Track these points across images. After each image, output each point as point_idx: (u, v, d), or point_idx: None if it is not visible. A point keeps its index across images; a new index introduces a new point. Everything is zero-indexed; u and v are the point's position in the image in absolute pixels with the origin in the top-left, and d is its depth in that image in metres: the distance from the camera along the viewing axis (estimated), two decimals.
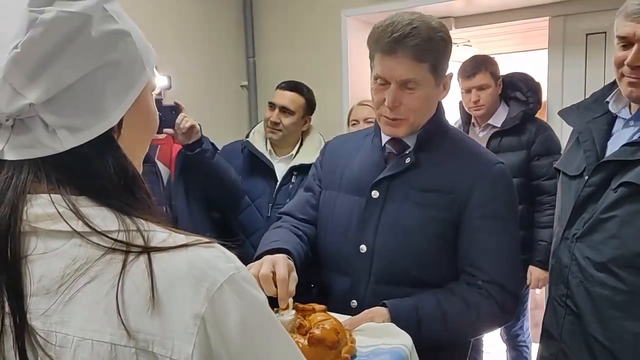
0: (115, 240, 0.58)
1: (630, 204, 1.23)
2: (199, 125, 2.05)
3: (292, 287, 1.16)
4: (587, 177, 1.34)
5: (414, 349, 1.11)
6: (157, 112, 0.74)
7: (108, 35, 0.63)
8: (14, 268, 0.58)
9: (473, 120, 2.65)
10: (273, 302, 1.13)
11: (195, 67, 3.13)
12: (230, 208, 2.34)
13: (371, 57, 1.33)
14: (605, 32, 2.84)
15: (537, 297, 3.60)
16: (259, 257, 1.25)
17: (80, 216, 0.59)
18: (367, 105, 2.55)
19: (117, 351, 0.56)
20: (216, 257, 0.60)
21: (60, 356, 0.57)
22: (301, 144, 2.48)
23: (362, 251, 1.33)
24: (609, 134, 1.38)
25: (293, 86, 2.48)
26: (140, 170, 0.70)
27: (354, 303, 1.33)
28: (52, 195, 0.60)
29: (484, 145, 2.46)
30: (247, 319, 0.58)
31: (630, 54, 1.25)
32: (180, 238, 0.61)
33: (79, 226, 0.59)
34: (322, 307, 1.17)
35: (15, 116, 0.59)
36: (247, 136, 2.52)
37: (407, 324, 1.18)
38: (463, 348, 1.42)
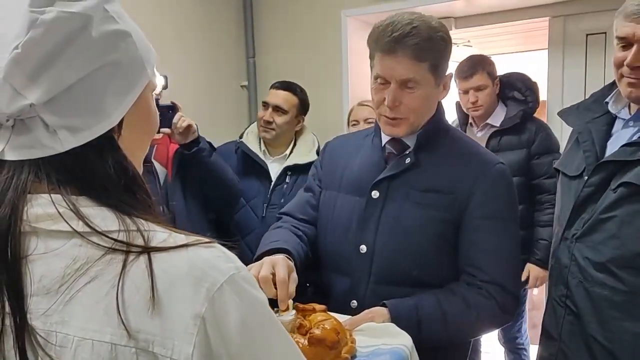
0: (116, 240, 0.59)
1: (630, 204, 1.23)
2: (196, 125, 2.06)
3: (292, 288, 1.16)
4: (586, 178, 1.34)
5: (414, 349, 1.11)
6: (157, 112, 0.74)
7: (108, 36, 0.63)
8: (14, 268, 0.58)
9: (470, 120, 2.64)
10: (273, 304, 1.13)
11: (195, 67, 3.13)
12: (227, 207, 2.35)
13: (371, 57, 1.33)
14: (605, 33, 2.84)
15: (535, 298, 3.60)
16: (259, 258, 1.25)
17: (80, 216, 0.59)
18: (367, 105, 2.55)
19: (117, 351, 0.56)
20: (216, 257, 0.60)
21: (61, 356, 0.57)
22: (295, 144, 2.49)
23: (362, 251, 1.33)
24: (608, 135, 1.38)
25: (286, 86, 2.49)
26: (140, 170, 0.70)
27: (354, 303, 1.33)
28: (52, 195, 0.60)
29: (483, 144, 2.47)
30: (247, 319, 0.59)
31: (630, 54, 1.25)
32: (181, 238, 0.61)
33: (79, 226, 0.59)
34: (323, 307, 1.17)
35: (15, 116, 0.59)
36: (241, 137, 2.52)
37: (407, 324, 1.18)
38: (463, 348, 1.42)
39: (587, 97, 1.52)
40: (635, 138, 1.29)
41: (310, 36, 3.31)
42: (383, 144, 1.40)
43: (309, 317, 1.13)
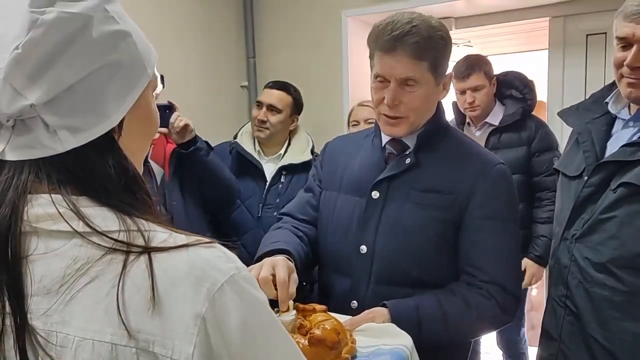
0: (116, 240, 0.59)
1: (630, 204, 1.23)
2: (192, 124, 2.06)
3: (293, 289, 1.16)
4: (586, 178, 1.34)
5: (415, 349, 1.11)
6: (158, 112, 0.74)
7: (109, 36, 0.63)
8: (14, 268, 0.58)
9: (468, 120, 2.64)
10: (273, 305, 1.13)
11: (195, 67, 3.13)
12: (225, 207, 2.35)
13: (371, 56, 1.33)
14: (605, 33, 2.84)
15: (534, 299, 3.58)
16: (259, 259, 1.25)
17: (80, 216, 0.59)
18: (367, 106, 2.55)
19: (117, 351, 0.56)
20: (217, 257, 0.60)
21: (61, 356, 0.57)
22: (289, 144, 2.49)
23: (362, 252, 1.33)
24: (608, 135, 1.38)
25: (280, 85, 2.49)
26: (140, 170, 0.70)
27: (355, 304, 1.33)
28: (52, 195, 0.60)
29: (483, 142, 2.47)
30: (247, 319, 0.59)
31: (630, 54, 1.25)
32: (181, 238, 0.61)
33: (80, 226, 0.59)
34: (323, 307, 1.17)
35: (16, 117, 0.59)
36: (235, 137, 2.52)
37: (408, 324, 1.18)
38: (463, 349, 1.42)
39: (587, 98, 1.52)
40: (635, 138, 1.29)
41: (310, 36, 3.31)
42: (383, 144, 1.40)
43: (309, 318, 1.13)
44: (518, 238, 1.36)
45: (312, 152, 2.47)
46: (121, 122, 0.65)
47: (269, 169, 2.43)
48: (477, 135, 2.55)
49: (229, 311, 0.58)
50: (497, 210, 1.29)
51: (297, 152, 2.44)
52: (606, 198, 1.28)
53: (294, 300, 1.16)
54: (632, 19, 1.24)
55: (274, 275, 1.16)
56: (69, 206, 0.60)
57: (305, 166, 2.39)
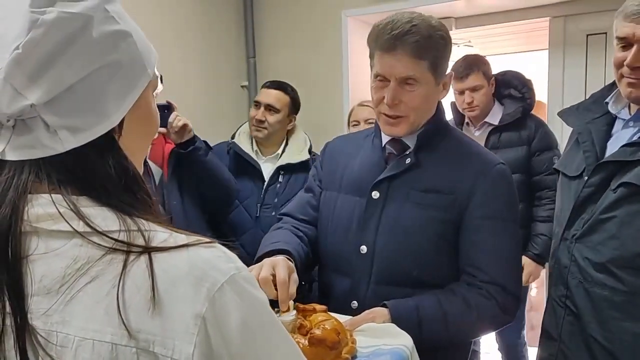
0: (116, 240, 0.59)
1: (630, 204, 1.23)
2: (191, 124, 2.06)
3: (293, 289, 1.16)
4: (586, 178, 1.34)
5: (415, 349, 1.11)
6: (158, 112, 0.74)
7: (109, 36, 0.63)
8: (15, 268, 0.58)
9: (467, 120, 2.63)
10: (273, 305, 1.13)
11: (195, 67, 3.13)
12: (224, 207, 2.35)
13: (371, 56, 1.34)
14: (605, 33, 2.84)
15: (533, 299, 3.58)
16: (260, 259, 1.25)
17: (81, 216, 0.59)
18: (367, 106, 2.55)
19: (117, 351, 0.56)
20: (217, 257, 0.60)
21: (61, 356, 0.57)
22: (286, 144, 2.49)
23: (362, 252, 1.33)
24: (608, 135, 1.38)
25: (278, 85, 2.49)
26: (141, 170, 0.70)
27: (355, 304, 1.33)
28: (53, 195, 0.60)
29: (483, 142, 2.47)
30: (247, 319, 0.59)
31: (630, 54, 1.25)
32: (181, 238, 0.61)
33: (80, 226, 0.59)
34: (323, 307, 1.17)
35: (16, 117, 0.59)
36: (233, 137, 2.52)
37: (408, 324, 1.18)
38: (463, 349, 1.42)
39: (587, 98, 1.52)
40: (635, 138, 1.29)
41: (310, 36, 3.31)
42: (383, 145, 1.40)
43: (309, 318, 1.13)
44: (518, 238, 1.36)
45: (310, 151, 2.47)
46: (121, 122, 0.65)
47: (267, 169, 2.43)
48: (477, 135, 2.55)
49: (229, 311, 0.58)
50: (497, 210, 1.29)
51: (295, 152, 2.45)
52: (606, 198, 1.28)
53: (294, 301, 1.16)
54: (632, 18, 1.24)
55: (274, 276, 1.16)
56: (69, 206, 0.60)
57: (303, 166, 2.40)
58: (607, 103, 1.41)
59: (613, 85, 1.40)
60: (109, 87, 0.63)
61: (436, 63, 1.28)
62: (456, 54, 2.86)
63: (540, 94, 3.19)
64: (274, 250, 1.29)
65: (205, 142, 2.15)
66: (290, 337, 0.66)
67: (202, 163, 2.09)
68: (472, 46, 4.33)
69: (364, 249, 1.33)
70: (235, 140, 2.48)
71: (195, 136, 2.07)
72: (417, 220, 1.29)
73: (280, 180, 2.39)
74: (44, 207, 0.59)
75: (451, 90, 2.55)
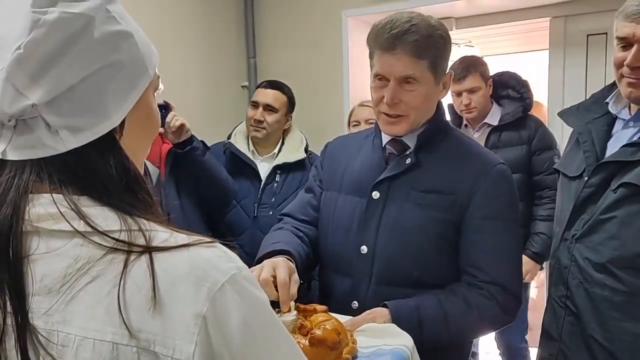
0: (117, 240, 0.59)
1: (630, 204, 1.23)
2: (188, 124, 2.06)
3: (294, 290, 1.16)
4: (586, 178, 1.34)
5: (415, 349, 1.11)
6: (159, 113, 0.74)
7: (110, 36, 0.64)
8: (16, 267, 0.58)
9: (465, 121, 2.62)
10: (274, 306, 1.13)
11: (195, 67, 3.13)
12: (222, 207, 2.35)
13: (370, 56, 1.34)
14: (606, 33, 2.84)
15: (533, 300, 3.57)
16: (260, 260, 1.25)
17: (82, 216, 0.59)
18: (368, 106, 2.55)
19: (118, 350, 0.56)
20: (217, 257, 0.61)
21: (62, 355, 0.57)
22: (283, 143, 2.49)
23: (363, 252, 1.33)
24: (608, 135, 1.38)
25: (275, 85, 2.50)
26: (141, 170, 0.70)
27: (355, 304, 1.33)
28: (54, 195, 0.60)
29: (483, 142, 2.46)
30: (248, 318, 0.59)
31: (630, 54, 1.25)
32: (182, 238, 0.61)
33: (81, 226, 0.59)
34: (324, 307, 1.17)
35: (17, 116, 0.60)
36: (229, 137, 2.52)
37: (409, 324, 1.18)
38: (464, 349, 1.42)
39: (587, 98, 1.52)
40: (635, 138, 1.29)
41: (311, 36, 3.31)
42: (383, 145, 1.40)
43: (310, 318, 1.13)
44: (519, 238, 1.36)
45: (306, 150, 2.47)
46: (122, 122, 0.65)
47: (264, 169, 2.43)
48: (476, 137, 2.53)
49: (229, 311, 0.58)
50: (497, 210, 1.29)
51: (291, 151, 2.45)
52: (606, 198, 1.28)
53: (295, 301, 1.16)
54: (633, 19, 1.24)
55: (274, 277, 1.16)
56: (70, 206, 0.60)
57: (299, 165, 2.40)
58: (607, 103, 1.41)
59: (613, 85, 1.40)
60: (110, 87, 0.63)
61: (436, 62, 1.28)
62: (457, 54, 2.87)
63: (540, 94, 3.19)
64: (275, 250, 1.29)
65: (202, 142, 2.15)
66: (291, 337, 0.66)
67: (199, 163, 2.09)
68: (472, 46, 4.33)
69: (364, 249, 1.33)
70: (231, 140, 2.48)
71: (192, 136, 2.07)
72: (417, 220, 1.29)
73: (277, 179, 2.40)
74: (45, 207, 0.60)
75: (448, 92, 2.55)
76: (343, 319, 1.17)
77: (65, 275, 0.58)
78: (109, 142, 0.64)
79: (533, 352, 1.55)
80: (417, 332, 1.17)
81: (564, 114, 1.51)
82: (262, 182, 2.40)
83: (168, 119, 1.98)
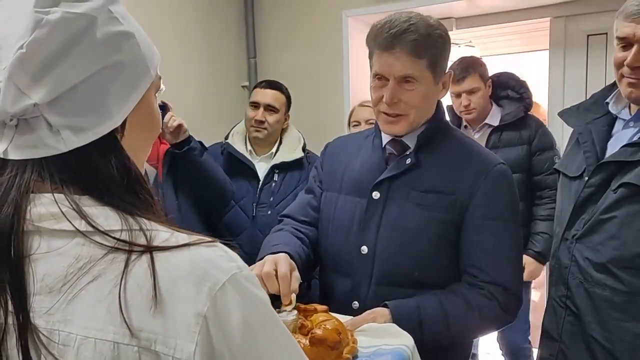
0: (118, 239, 0.59)
1: (630, 204, 1.23)
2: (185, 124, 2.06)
3: (295, 285, 1.17)
4: (587, 178, 1.34)
5: (416, 349, 1.11)
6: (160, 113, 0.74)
7: (112, 37, 0.64)
8: (17, 267, 0.58)
9: (464, 123, 2.62)
10: (276, 300, 1.14)
11: (196, 67, 3.13)
12: (219, 207, 2.35)
13: (370, 56, 1.34)
14: (606, 33, 2.84)
15: (534, 300, 3.56)
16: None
17: (83, 215, 0.59)
18: (368, 106, 2.54)
19: (119, 350, 0.56)
20: (218, 256, 0.61)
21: (63, 354, 0.57)
22: (280, 142, 2.50)
23: (363, 252, 1.33)
24: (609, 135, 1.38)
25: (273, 84, 2.50)
26: (142, 170, 0.71)
27: (356, 304, 1.33)
28: (55, 194, 0.60)
29: (483, 142, 2.46)
30: (249, 318, 0.59)
31: (630, 54, 1.25)
32: (183, 237, 0.61)
33: (82, 225, 0.59)
34: (324, 307, 1.17)
35: (19, 116, 0.60)
36: (226, 138, 2.52)
37: (409, 325, 1.18)
38: (465, 349, 1.42)
39: (587, 98, 1.52)
40: (635, 139, 1.29)
41: (311, 36, 3.31)
42: (383, 145, 1.40)
43: (310, 318, 1.13)
44: (519, 238, 1.36)
45: (304, 149, 2.47)
46: (124, 122, 0.65)
47: (261, 169, 2.43)
48: (477, 138, 2.52)
49: (230, 310, 0.58)
50: (497, 210, 1.29)
51: (289, 150, 2.45)
52: (607, 198, 1.28)
53: (295, 300, 1.17)
54: (633, 19, 1.24)
55: (276, 271, 1.16)
56: (71, 205, 0.60)
57: (297, 164, 2.40)
58: (607, 103, 1.41)
59: (613, 85, 1.41)
60: (112, 88, 0.64)
61: (435, 62, 1.28)
62: (457, 55, 2.86)
63: (541, 94, 3.19)
64: (275, 252, 1.29)
65: (200, 142, 2.15)
66: (291, 337, 0.66)
67: (197, 163, 2.10)
68: (473, 46, 4.33)
69: (364, 249, 1.33)
70: (228, 140, 2.48)
71: (190, 136, 2.07)
72: (417, 220, 1.29)
73: (275, 179, 2.40)
74: (46, 207, 0.60)
75: (448, 94, 2.55)
76: (343, 318, 1.17)
77: (66, 275, 0.58)
78: (111, 142, 0.64)
79: (536, 353, 1.55)
80: (418, 332, 1.17)
81: (564, 114, 1.51)
82: (260, 182, 2.40)
83: (166, 119, 1.98)
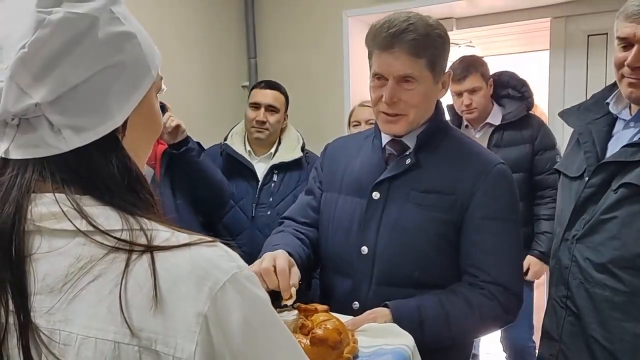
0: (119, 239, 0.59)
1: (631, 205, 1.23)
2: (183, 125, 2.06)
3: (295, 279, 1.17)
4: (587, 178, 1.34)
5: (416, 349, 1.11)
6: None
7: (114, 37, 0.64)
8: (18, 266, 0.58)
9: (465, 122, 2.61)
10: (276, 297, 1.14)
11: (196, 67, 3.13)
12: (217, 208, 2.35)
13: (369, 56, 1.34)
14: (606, 33, 2.84)
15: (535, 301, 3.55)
16: None
17: (84, 215, 0.60)
18: (368, 106, 2.54)
19: (120, 349, 0.56)
20: (219, 256, 0.61)
21: (64, 354, 0.57)
22: (279, 142, 2.50)
23: (363, 253, 1.33)
24: (609, 135, 1.38)
25: (272, 85, 2.50)
26: (143, 170, 0.71)
27: (356, 305, 1.33)
28: (56, 194, 0.60)
29: (485, 142, 2.46)
30: (249, 317, 0.59)
31: (631, 54, 1.25)
32: (183, 237, 0.61)
33: (83, 225, 0.59)
34: (325, 307, 1.17)
35: (21, 115, 0.60)
36: (225, 139, 2.52)
37: (410, 325, 1.18)
38: (465, 349, 1.42)
39: (588, 98, 1.52)
40: (636, 139, 1.29)
41: (311, 36, 3.32)
42: (383, 145, 1.40)
43: (311, 317, 1.13)
44: (519, 238, 1.36)
45: (303, 149, 2.47)
46: (125, 122, 0.66)
47: (261, 169, 2.43)
48: (478, 137, 2.52)
49: (230, 310, 0.58)
50: (497, 210, 1.29)
51: (288, 150, 2.45)
52: (607, 199, 1.28)
53: (296, 301, 1.17)
54: (633, 19, 1.24)
55: (275, 268, 1.16)
56: (72, 205, 0.60)
57: (296, 164, 2.41)
58: (608, 103, 1.41)
59: (614, 85, 1.41)
60: (114, 88, 0.64)
61: (434, 61, 1.28)
62: (457, 54, 2.86)
63: (541, 94, 3.19)
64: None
65: (198, 143, 2.15)
66: (292, 336, 0.66)
67: (194, 164, 2.10)
68: (473, 46, 4.33)
69: (365, 249, 1.33)
70: (227, 141, 2.48)
71: (188, 137, 2.07)
72: (417, 220, 1.29)
73: (274, 179, 2.40)
74: (47, 206, 0.60)
75: (448, 93, 2.55)
76: (344, 318, 1.17)
77: (67, 274, 0.58)
78: (112, 142, 0.64)
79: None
80: (418, 332, 1.17)
81: (565, 114, 1.51)
82: (260, 182, 2.40)
83: (164, 119, 1.98)
